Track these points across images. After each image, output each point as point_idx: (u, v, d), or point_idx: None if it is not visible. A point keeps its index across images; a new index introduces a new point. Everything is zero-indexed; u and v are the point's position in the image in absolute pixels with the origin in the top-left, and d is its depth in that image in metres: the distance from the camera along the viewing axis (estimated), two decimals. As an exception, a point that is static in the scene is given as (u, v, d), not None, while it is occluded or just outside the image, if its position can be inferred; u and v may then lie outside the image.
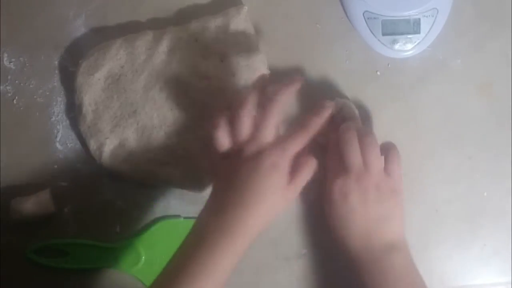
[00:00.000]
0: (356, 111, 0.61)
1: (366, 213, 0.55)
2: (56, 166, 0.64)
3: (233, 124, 0.53)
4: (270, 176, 0.51)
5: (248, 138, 0.53)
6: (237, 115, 0.53)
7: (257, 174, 0.51)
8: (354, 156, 0.55)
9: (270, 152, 0.51)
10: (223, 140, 0.53)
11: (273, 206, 0.52)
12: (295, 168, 0.53)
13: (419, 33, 0.62)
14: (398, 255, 0.55)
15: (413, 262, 0.56)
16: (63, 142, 0.64)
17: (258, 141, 0.52)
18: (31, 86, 0.64)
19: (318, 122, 0.54)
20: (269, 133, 0.53)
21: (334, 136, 0.58)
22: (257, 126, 0.53)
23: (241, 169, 0.51)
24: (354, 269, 0.56)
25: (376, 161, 0.56)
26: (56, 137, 0.64)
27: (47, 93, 0.64)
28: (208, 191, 0.61)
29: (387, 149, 0.57)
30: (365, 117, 0.63)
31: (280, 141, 0.53)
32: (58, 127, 0.64)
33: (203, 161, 0.60)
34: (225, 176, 0.53)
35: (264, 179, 0.51)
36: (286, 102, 0.54)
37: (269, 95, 0.54)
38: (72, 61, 0.64)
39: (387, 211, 0.56)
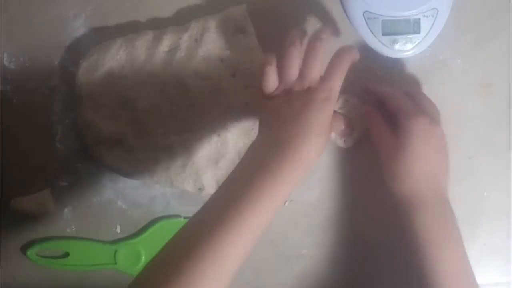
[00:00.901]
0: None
1: (427, 161, 0.55)
2: (56, 166, 0.64)
3: (282, 62, 0.54)
4: (324, 110, 0.52)
5: (299, 75, 0.53)
6: (288, 52, 0.54)
7: (310, 109, 0.51)
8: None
9: (323, 88, 0.52)
10: (273, 78, 0.54)
11: (322, 143, 0.52)
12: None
13: (419, 33, 0.62)
14: (449, 212, 0.55)
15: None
16: (63, 142, 0.64)
17: (307, 78, 0.53)
18: (31, 86, 0.64)
19: (349, 59, 0.55)
20: (318, 71, 0.53)
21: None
22: (306, 64, 0.53)
23: (294, 104, 0.52)
24: (409, 227, 0.55)
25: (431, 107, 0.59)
26: (56, 137, 0.64)
27: (47, 93, 0.64)
28: (208, 191, 0.61)
29: (414, 95, 0.60)
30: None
31: (326, 76, 0.53)
32: (58, 126, 0.64)
33: (203, 162, 0.60)
34: (277, 112, 0.53)
35: (318, 112, 0.51)
36: (327, 42, 0.55)
37: (315, 34, 0.55)
38: (72, 61, 0.64)
39: (438, 160, 0.57)
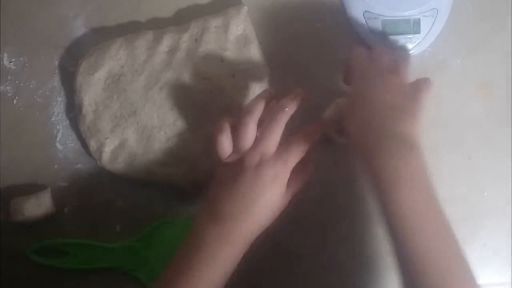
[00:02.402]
0: None
1: (387, 101, 0.52)
2: (56, 166, 0.64)
3: (237, 131, 0.53)
4: (271, 187, 0.51)
5: (251, 147, 0.53)
6: (243, 122, 0.53)
7: (258, 186, 0.51)
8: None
9: (273, 164, 0.52)
10: (226, 145, 0.53)
11: (271, 214, 0.53)
12: (292, 176, 0.53)
13: (419, 33, 0.62)
14: (410, 153, 0.50)
15: (426, 167, 0.51)
16: (63, 142, 0.64)
17: (260, 151, 0.52)
18: (31, 86, 0.64)
19: (318, 132, 0.55)
20: (272, 144, 0.53)
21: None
22: (261, 136, 0.53)
23: (242, 179, 0.51)
24: (368, 172, 0.51)
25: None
26: (56, 137, 0.64)
27: (47, 93, 0.64)
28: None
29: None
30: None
31: (282, 152, 0.52)
32: (58, 127, 0.64)
33: (203, 162, 0.60)
34: (225, 183, 0.52)
35: (265, 190, 0.51)
36: (290, 115, 0.54)
37: (275, 107, 0.54)
38: (72, 61, 0.64)
39: (398, 101, 0.52)
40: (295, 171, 0.53)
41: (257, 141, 0.53)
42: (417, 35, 0.62)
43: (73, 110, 0.64)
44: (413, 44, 0.62)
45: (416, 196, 0.49)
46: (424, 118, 0.62)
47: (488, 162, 0.63)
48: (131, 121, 0.61)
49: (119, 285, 0.63)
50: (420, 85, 0.54)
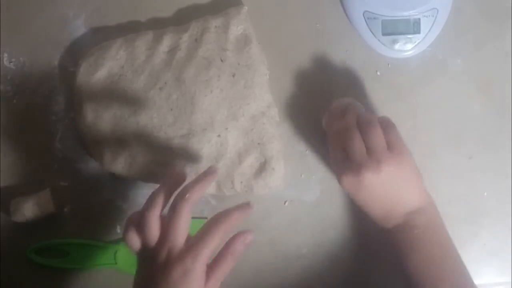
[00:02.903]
0: (363, 108, 0.60)
1: (384, 193, 0.54)
2: (56, 166, 0.64)
3: (140, 227, 0.49)
4: (182, 285, 0.47)
5: (157, 242, 0.49)
6: (143, 217, 0.49)
7: (168, 285, 0.47)
8: (355, 143, 0.54)
9: (181, 260, 0.47)
10: (134, 243, 0.50)
11: None
12: (212, 265, 0.49)
13: (419, 33, 0.62)
14: (421, 216, 0.54)
15: (440, 219, 0.56)
16: (63, 142, 0.64)
17: (167, 246, 0.48)
18: (31, 86, 0.64)
19: (235, 218, 0.49)
20: (178, 238, 0.48)
21: (336, 130, 0.57)
22: (165, 230, 0.49)
23: (153, 278, 0.48)
24: (391, 247, 0.56)
25: (378, 142, 0.54)
26: (56, 137, 0.64)
27: (47, 93, 0.64)
28: (208, 191, 0.61)
29: (384, 126, 0.55)
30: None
31: (191, 245, 0.48)
32: (58, 127, 0.64)
33: (204, 161, 0.60)
34: (142, 281, 0.49)
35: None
36: (198, 200, 0.50)
37: (179, 194, 0.50)
38: (72, 61, 0.64)
39: (402, 183, 0.54)
40: (217, 258, 0.49)
41: (162, 235, 0.49)
42: (417, 35, 0.62)
43: (73, 110, 0.64)
44: (413, 44, 0.62)
45: (435, 253, 0.54)
46: (423, 118, 0.62)
47: (488, 162, 0.63)
48: (131, 121, 0.61)
49: (119, 285, 0.63)
50: (399, 147, 0.54)
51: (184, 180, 0.52)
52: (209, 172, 0.51)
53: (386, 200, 0.55)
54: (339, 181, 0.54)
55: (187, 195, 0.49)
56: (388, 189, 0.54)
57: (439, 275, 0.53)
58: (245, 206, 0.50)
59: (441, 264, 0.54)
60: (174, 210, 0.49)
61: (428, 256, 0.54)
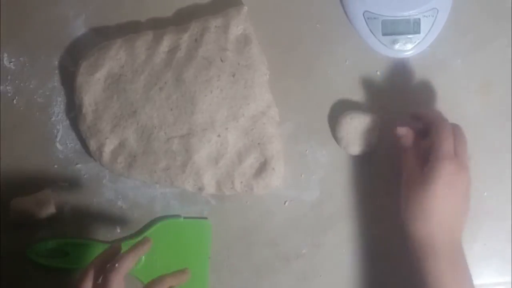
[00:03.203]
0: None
1: (449, 205, 0.55)
2: (56, 166, 0.64)
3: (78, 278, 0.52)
4: None
5: None
6: (81, 272, 0.52)
7: None
8: (446, 132, 0.56)
9: None
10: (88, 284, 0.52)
11: None
12: None
13: (419, 33, 0.62)
14: (458, 257, 0.56)
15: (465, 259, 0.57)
16: (63, 142, 0.64)
17: None
18: (31, 86, 0.64)
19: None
20: None
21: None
22: None
23: None
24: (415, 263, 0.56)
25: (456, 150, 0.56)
26: (56, 137, 0.64)
27: (47, 93, 0.64)
28: (208, 191, 0.61)
29: (454, 133, 0.57)
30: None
31: None
32: (58, 127, 0.64)
33: (204, 161, 0.61)
34: None
35: None
36: (128, 270, 0.52)
37: (110, 264, 0.52)
38: (72, 61, 0.64)
39: (464, 204, 0.57)
40: None
41: None
42: (417, 35, 0.62)
43: (73, 110, 0.64)
44: (413, 44, 0.62)
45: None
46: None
47: (488, 162, 0.63)
48: (131, 121, 0.61)
49: (119, 285, 0.63)
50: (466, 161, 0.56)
51: (118, 251, 0.54)
52: (141, 243, 0.54)
53: (456, 208, 0.56)
54: (440, 167, 0.54)
55: (116, 265, 0.51)
56: (456, 202, 0.55)
57: None
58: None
59: None
60: (104, 279, 0.51)
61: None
